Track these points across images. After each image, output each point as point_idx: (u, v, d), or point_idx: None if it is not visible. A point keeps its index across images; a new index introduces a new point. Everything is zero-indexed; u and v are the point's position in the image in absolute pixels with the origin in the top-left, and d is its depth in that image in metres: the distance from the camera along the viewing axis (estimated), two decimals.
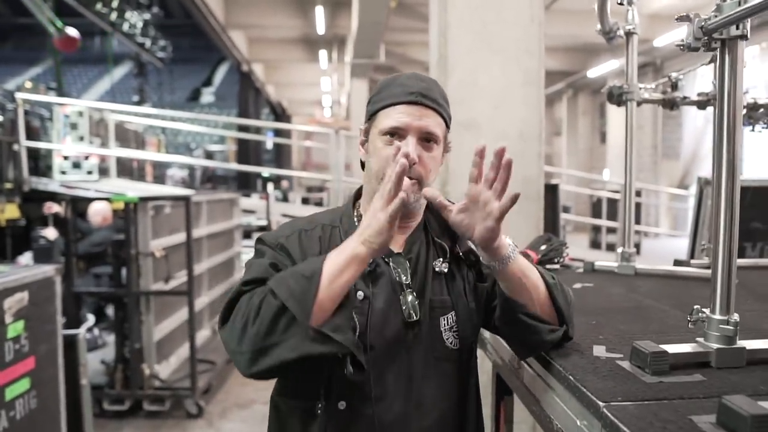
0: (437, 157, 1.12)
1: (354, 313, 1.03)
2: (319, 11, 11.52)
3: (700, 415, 0.79)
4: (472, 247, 1.12)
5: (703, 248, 2.25)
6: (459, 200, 1.03)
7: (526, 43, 2.67)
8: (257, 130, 13.44)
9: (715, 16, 0.96)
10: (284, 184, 14.25)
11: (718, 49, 0.98)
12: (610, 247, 8.19)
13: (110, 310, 5.19)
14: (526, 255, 2.02)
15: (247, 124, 12.63)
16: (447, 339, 1.11)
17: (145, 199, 3.87)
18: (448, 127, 1.15)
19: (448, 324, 1.11)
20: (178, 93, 26.10)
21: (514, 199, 0.95)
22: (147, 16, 12.94)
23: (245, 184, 13.81)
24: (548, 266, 2.07)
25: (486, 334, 1.52)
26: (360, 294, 1.07)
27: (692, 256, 2.82)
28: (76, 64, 27.62)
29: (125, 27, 11.82)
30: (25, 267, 2.76)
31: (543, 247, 2.10)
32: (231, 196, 6.15)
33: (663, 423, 0.77)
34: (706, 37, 0.97)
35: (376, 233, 0.96)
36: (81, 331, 2.94)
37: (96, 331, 5.00)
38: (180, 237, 4.21)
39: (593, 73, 14.28)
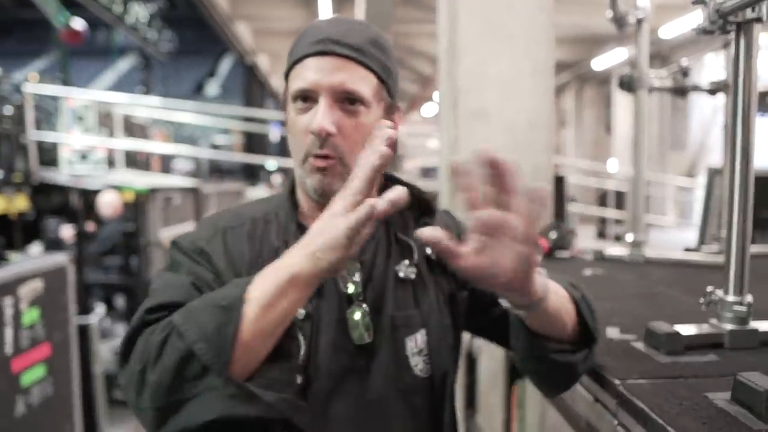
0: (369, 125, 0.81)
1: (298, 333, 0.78)
2: (325, 2, 11.49)
3: (716, 392, 0.81)
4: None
5: (714, 237, 2.25)
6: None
7: (535, 32, 2.67)
8: (262, 122, 13.47)
9: None
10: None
11: (734, 33, 0.98)
12: (618, 238, 8.18)
13: (119, 301, 5.23)
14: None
15: (251, 116, 12.65)
16: (415, 365, 0.85)
17: (155, 190, 3.89)
18: (386, 84, 0.85)
19: (416, 346, 0.86)
20: (184, 85, 26.11)
21: (540, 196, 0.65)
22: (152, 8, 12.96)
23: (251, 175, 13.84)
24: (557, 254, 2.09)
25: None
26: (300, 312, 0.79)
27: (702, 243, 2.83)
28: (81, 56, 27.62)
29: (130, 20, 11.83)
30: (39, 256, 2.79)
31: (553, 235, 2.11)
32: (238, 187, 6.18)
33: (679, 399, 0.79)
34: (721, 20, 0.98)
35: (329, 247, 0.68)
36: (94, 320, 2.98)
37: (106, 322, 5.06)
38: (189, 227, 4.25)
39: (599, 64, 14.21)
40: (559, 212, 5.32)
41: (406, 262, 0.89)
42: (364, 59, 0.82)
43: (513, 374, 1.50)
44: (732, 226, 1.00)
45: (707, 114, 12.97)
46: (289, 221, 0.88)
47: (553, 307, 0.78)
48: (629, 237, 2.06)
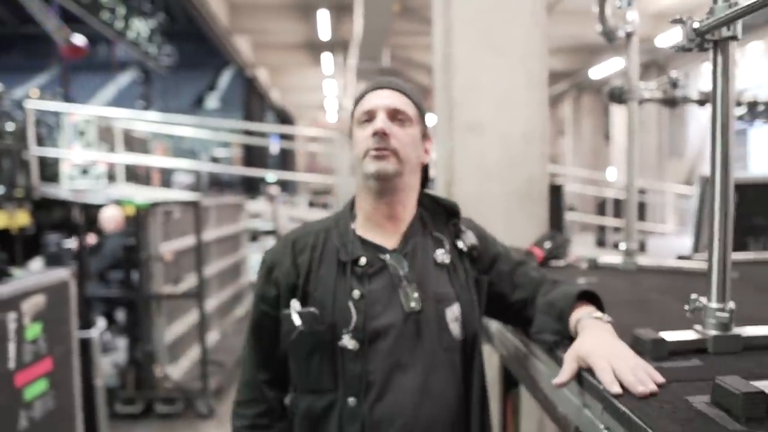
0: (413, 135, 1.15)
1: (353, 308, 1.09)
2: (323, 16, 11.59)
3: (696, 395, 0.84)
4: (475, 243, 1.21)
5: (706, 245, 2.28)
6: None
7: (529, 45, 2.72)
8: (262, 135, 13.54)
9: (708, 18, 1.01)
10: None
11: (711, 50, 1.02)
12: (616, 246, 8.21)
13: (120, 315, 5.26)
14: (530, 253, 2.08)
15: (251, 129, 12.72)
16: (453, 330, 1.14)
17: (156, 204, 3.93)
18: (422, 115, 1.20)
19: (453, 315, 1.14)
20: (183, 98, 26.24)
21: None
22: (153, 24, 13.06)
23: (251, 189, 13.88)
24: (552, 263, 2.12)
25: (492, 328, 1.57)
26: (356, 293, 1.10)
27: (696, 251, 2.86)
28: (81, 71, 27.79)
29: (131, 35, 11.92)
30: (40, 271, 2.82)
31: (547, 245, 2.14)
32: (238, 200, 6.22)
33: (660, 403, 0.82)
34: (699, 39, 1.02)
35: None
36: (95, 333, 3.00)
37: (107, 335, 5.07)
38: (189, 240, 4.28)
39: (596, 73, 14.31)
40: (557, 221, 5.34)
41: (441, 251, 1.17)
42: (408, 92, 1.18)
43: (508, 382, 1.53)
44: (713, 234, 1.04)
45: (705, 122, 13.04)
46: (346, 230, 1.17)
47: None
48: (622, 245, 2.09)
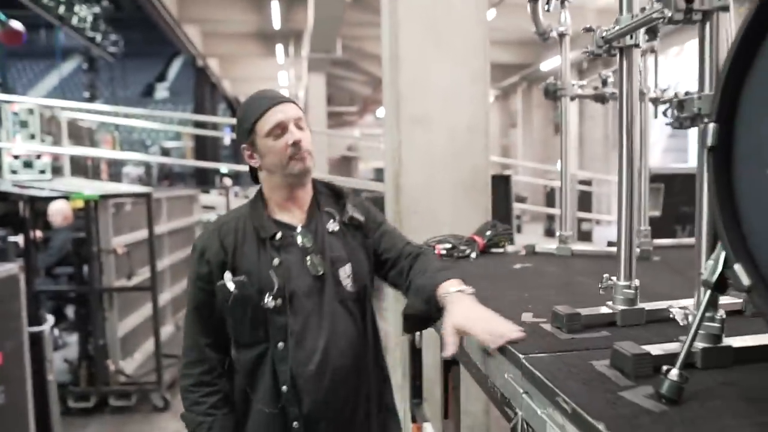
0: (308, 134, 1.46)
1: (274, 275, 1.39)
2: (275, 5, 11.50)
3: (600, 360, 0.96)
4: (355, 215, 1.51)
5: (636, 231, 2.46)
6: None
7: (472, 42, 2.84)
8: (214, 126, 13.33)
9: (614, 28, 1.13)
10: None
11: (617, 56, 1.15)
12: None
13: (69, 311, 5.16)
14: (472, 240, 2.21)
15: (203, 120, 12.53)
16: (346, 285, 1.45)
17: (105, 197, 3.90)
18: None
19: (346, 273, 1.46)
20: (131, 88, 25.46)
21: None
22: (96, 9, 12.65)
23: (203, 180, 13.67)
24: (493, 250, 2.26)
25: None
26: (276, 261, 1.40)
27: None
28: (21, 58, 26.59)
29: (74, 21, 11.53)
30: None
31: (488, 233, 2.28)
32: (190, 192, 6.17)
33: (569, 367, 0.94)
34: (606, 45, 1.15)
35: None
36: (46, 328, 2.98)
37: (56, 332, 4.98)
38: (141, 234, 4.25)
39: (546, 66, 14.69)
40: (505, 211, 5.53)
41: (332, 221, 1.48)
42: (296, 101, 1.48)
43: (448, 362, 1.65)
44: (621, 221, 1.17)
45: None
46: (261, 219, 1.45)
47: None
48: (558, 233, 2.24)
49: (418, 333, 2.07)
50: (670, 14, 0.90)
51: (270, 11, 11.80)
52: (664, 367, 0.78)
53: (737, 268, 0.68)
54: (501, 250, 2.26)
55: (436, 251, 2.08)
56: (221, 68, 17.58)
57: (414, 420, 2.02)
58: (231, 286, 1.39)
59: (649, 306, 1.18)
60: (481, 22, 2.85)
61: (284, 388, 1.39)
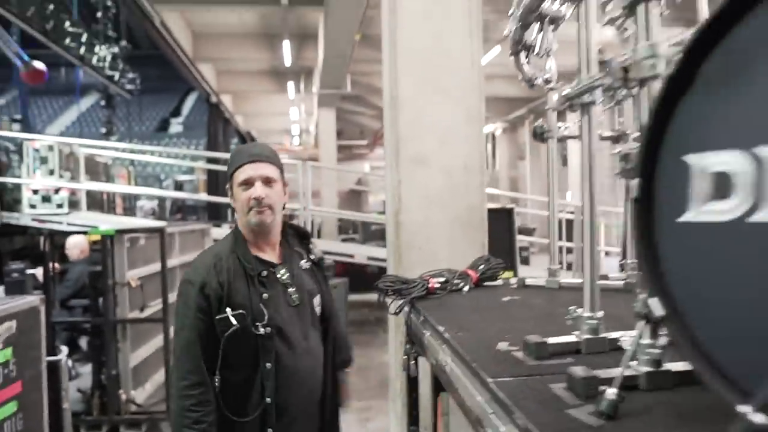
0: (278, 191, 1.78)
1: (263, 307, 1.70)
2: (286, 44, 11.88)
3: (558, 384, 1.08)
4: (323, 257, 1.97)
5: (622, 263, 2.57)
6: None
7: (468, 84, 3.02)
8: (226, 161, 13.65)
9: (576, 86, 1.28)
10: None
11: (579, 111, 1.30)
12: (570, 266, 8.58)
13: (82, 342, 5.30)
14: (465, 274, 2.33)
15: (215, 157, 12.83)
16: (317, 312, 1.86)
17: (121, 232, 4.07)
18: (281, 170, 1.82)
19: (317, 303, 1.86)
20: (147, 123, 26.07)
21: None
22: (115, 49, 13.11)
23: (215, 214, 13.90)
24: (486, 283, 2.38)
25: (425, 342, 1.80)
26: (265, 296, 1.73)
27: (622, 270, 3.16)
28: (42, 95, 27.40)
29: (94, 60, 11.95)
30: (11, 297, 2.94)
31: (481, 267, 2.40)
32: (202, 226, 6.35)
33: (530, 390, 1.06)
34: (568, 102, 1.29)
35: None
36: (62, 357, 3.12)
37: (69, 362, 5.11)
38: (154, 267, 4.41)
39: (554, 99, 14.90)
40: (508, 244, 5.63)
41: (304, 260, 1.88)
42: (272, 160, 1.79)
43: (438, 387, 1.76)
44: (586, 258, 1.30)
45: None
46: (246, 253, 1.78)
47: None
48: (547, 266, 2.36)
49: (413, 362, 2.18)
50: (610, 81, 1.05)
51: (282, 50, 12.20)
52: (601, 387, 0.90)
53: (652, 301, 0.81)
54: (494, 283, 2.38)
55: (430, 285, 2.21)
56: (234, 104, 18.03)
57: None
58: (233, 320, 1.67)
59: (612, 335, 1.30)
60: (476, 64, 3.03)
61: (268, 400, 1.70)
